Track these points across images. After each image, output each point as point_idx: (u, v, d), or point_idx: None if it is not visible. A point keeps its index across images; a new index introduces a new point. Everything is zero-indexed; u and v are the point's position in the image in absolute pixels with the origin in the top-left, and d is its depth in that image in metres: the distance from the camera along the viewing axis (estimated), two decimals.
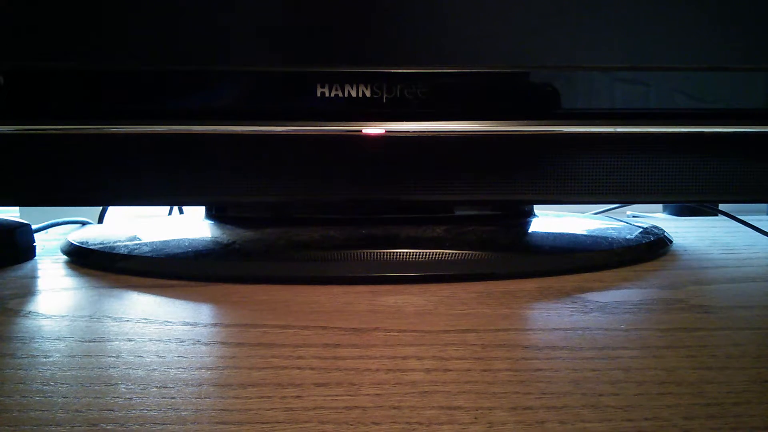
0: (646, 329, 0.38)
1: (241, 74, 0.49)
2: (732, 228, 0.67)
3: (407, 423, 0.28)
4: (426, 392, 0.30)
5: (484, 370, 0.32)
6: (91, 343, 0.36)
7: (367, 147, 0.49)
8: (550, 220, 0.65)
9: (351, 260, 0.49)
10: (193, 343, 0.36)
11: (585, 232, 0.60)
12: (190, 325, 0.39)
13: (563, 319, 0.40)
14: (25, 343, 0.36)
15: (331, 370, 0.32)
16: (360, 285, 0.47)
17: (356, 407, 0.28)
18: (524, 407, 0.29)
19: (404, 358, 0.34)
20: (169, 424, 0.27)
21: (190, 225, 0.63)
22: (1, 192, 0.51)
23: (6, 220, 0.58)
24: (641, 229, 0.61)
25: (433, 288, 0.46)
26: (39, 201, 0.53)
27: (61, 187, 0.50)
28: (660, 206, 0.84)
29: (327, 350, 0.35)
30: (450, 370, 0.32)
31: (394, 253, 0.49)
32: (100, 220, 0.74)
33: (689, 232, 0.67)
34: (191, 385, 0.30)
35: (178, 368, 0.32)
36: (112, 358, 0.33)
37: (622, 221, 0.66)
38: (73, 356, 0.34)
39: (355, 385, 0.30)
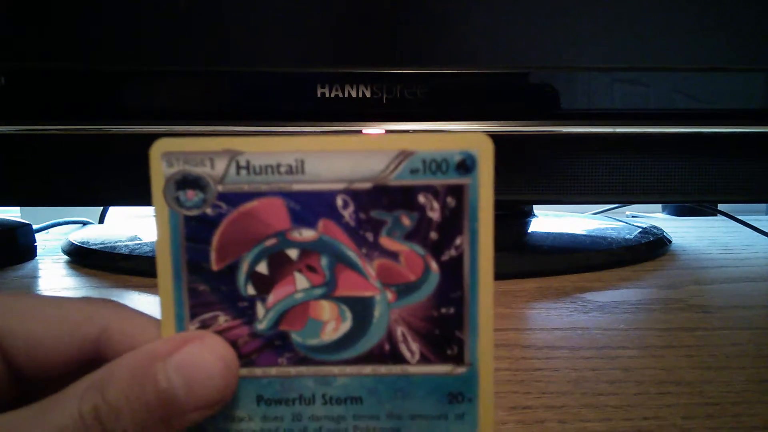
0: (646, 329, 0.38)
1: (242, 75, 0.49)
2: (731, 228, 0.67)
3: None
4: None
5: None
6: None
7: None
8: (550, 220, 0.65)
9: None
10: None
11: (584, 232, 0.60)
12: None
13: (562, 318, 0.40)
14: None
15: None
16: None
17: None
18: (524, 407, 0.29)
19: None
20: None
21: None
22: (2, 192, 0.51)
23: (7, 220, 0.58)
24: (640, 229, 0.61)
25: None
26: (40, 201, 0.53)
27: (61, 187, 0.50)
28: (659, 206, 0.84)
29: None
30: None
31: None
32: (101, 220, 0.74)
33: (688, 232, 0.67)
34: None
35: None
36: None
37: (621, 221, 0.66)
38: None
39: None
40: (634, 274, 0.50)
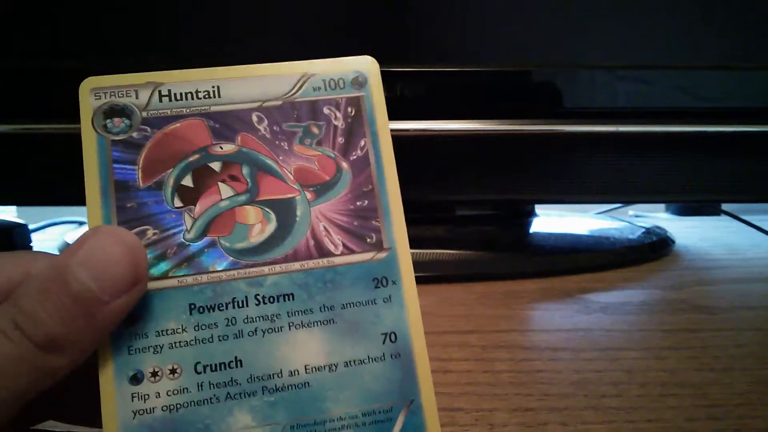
0: (649, 330, 0.38)
1: None
2: (735, 228, 0.66)
3: None
4: None
5: (485, 372, 0.32)
6: None
7: None
8: (552, 220, 0.65)
9: None
10: None
11: (587, 232, 0.60)
12: None
13: (565, 319, 0.40)
14: None
15: None
16: None
17: None
18: (525, 409, 0.29)
19: None
20: None
21: None
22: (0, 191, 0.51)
23: (2, 220, 0.58)
24: (644, 229, 0.60)
25: (434, 288, 0.46)
26: (36, 200, 0.53)
27: (59, 187, 0.50)
28: (662, 206, 0.84)
29: None
30: (451, 372, 0.32)
31: None
32: None
33: (692, 232, 0.66)
34: None
35: None
36: None
37: (624, 221, 0.66)
38: None
39: None
40: (637, 274, 0.50)
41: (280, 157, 0.21)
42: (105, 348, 0.19)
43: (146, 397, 0.19)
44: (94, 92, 0.20)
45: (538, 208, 0.65)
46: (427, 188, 0.50)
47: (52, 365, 0.17)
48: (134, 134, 0.20)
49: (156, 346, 0.19)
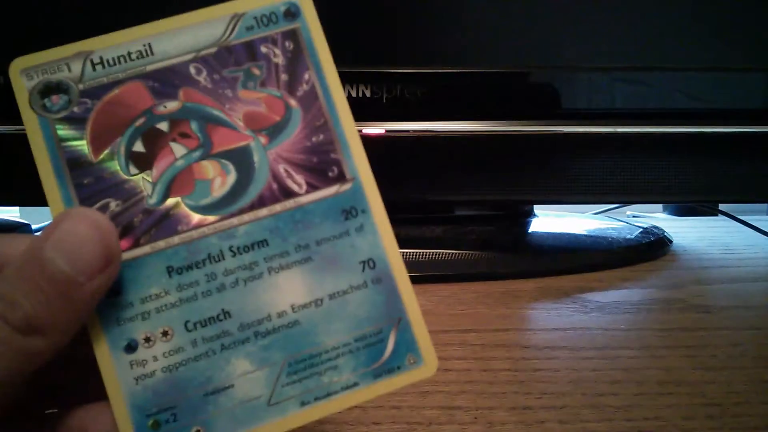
0: (646, 329, 0.38)
1: None
2: (732, 228, 0.67)
3: (407, 423, 0.28)
4: (426, 392, 0.30)
5: (484, 370, 0.32)
6: None
7: (367, 147, 0.49)
8: (550, 220, 0.65)
9: None
10: None
11: (585, 232, 0.60)
12: None
13: (563, 319, 0.40)
14: None
15: None
16: None
17: (356, 407, 0.28)
18: (524, 407, 0.29)
19: None
20: None
21: None
22: (2, 191, 0.51)
23: (6, 220, 0.58)
24: (641, 229, 0.61)
25: (433, 288, 0.46)
26: (40, 201, 0.53)
27: None
28: (660, 206, 0.84)
29: None
30: (450, 370, 0.32)
31: None
32: None
33: (689, 232, 0.67)
34: None
35: None
36: None
37: (622, 221, 0.66)
38: None
39: None
40: (634, 274, 0.50)
41: (227, 106, 0.20)
42: (95, 324, 0.19)
43: (144, 362, 0.19)
44: (24, 73, 0.20)
45: (537, 209, 0.65)
46: (427, 188, 0.50)
47: (33, 348, 0.17)
48: (75, 109, 0.20)
49: (143, 312, 0.19)
